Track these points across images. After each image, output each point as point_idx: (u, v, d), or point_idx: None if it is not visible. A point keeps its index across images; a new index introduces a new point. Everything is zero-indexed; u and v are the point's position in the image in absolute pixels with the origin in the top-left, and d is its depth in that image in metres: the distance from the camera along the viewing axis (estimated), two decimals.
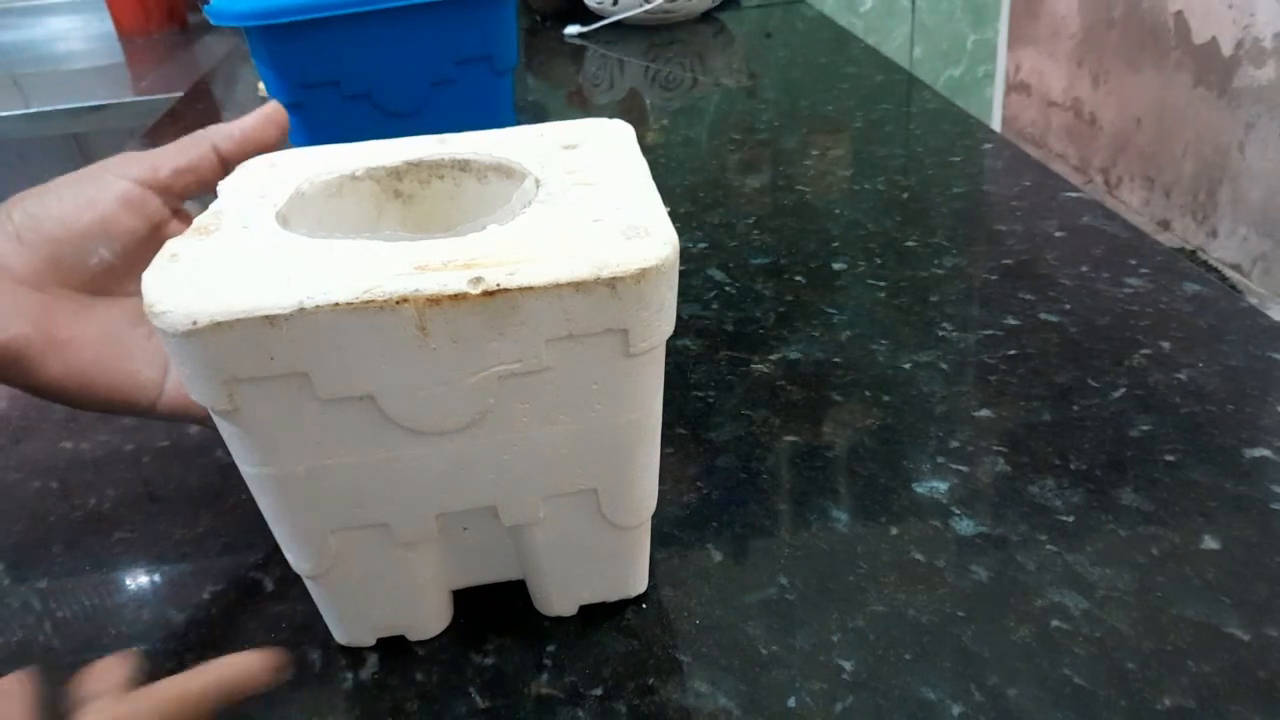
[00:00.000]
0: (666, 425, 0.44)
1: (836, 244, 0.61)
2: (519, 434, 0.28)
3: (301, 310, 0.24)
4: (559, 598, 0.34)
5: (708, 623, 0.34)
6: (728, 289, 0.56)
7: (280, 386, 0.26)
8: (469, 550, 0.32)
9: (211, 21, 0.57)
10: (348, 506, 0.29)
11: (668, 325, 0.28)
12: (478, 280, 0.25)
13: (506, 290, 0.25)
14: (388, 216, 0.35)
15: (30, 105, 1.23)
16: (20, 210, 0.34)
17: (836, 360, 0.48)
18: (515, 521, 0.31)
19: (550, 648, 0.33)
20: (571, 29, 1.27)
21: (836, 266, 0.58)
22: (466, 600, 0.35)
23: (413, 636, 0.33)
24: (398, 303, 0.25)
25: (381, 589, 0.32)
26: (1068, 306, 0.51)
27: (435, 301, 0.25)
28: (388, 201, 0.35)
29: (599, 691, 0.31)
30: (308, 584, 0.32)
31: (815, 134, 0.82)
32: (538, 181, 0.31)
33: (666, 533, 0.38)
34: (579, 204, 0.29)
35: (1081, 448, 0.40)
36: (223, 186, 0.33)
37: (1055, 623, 0.32)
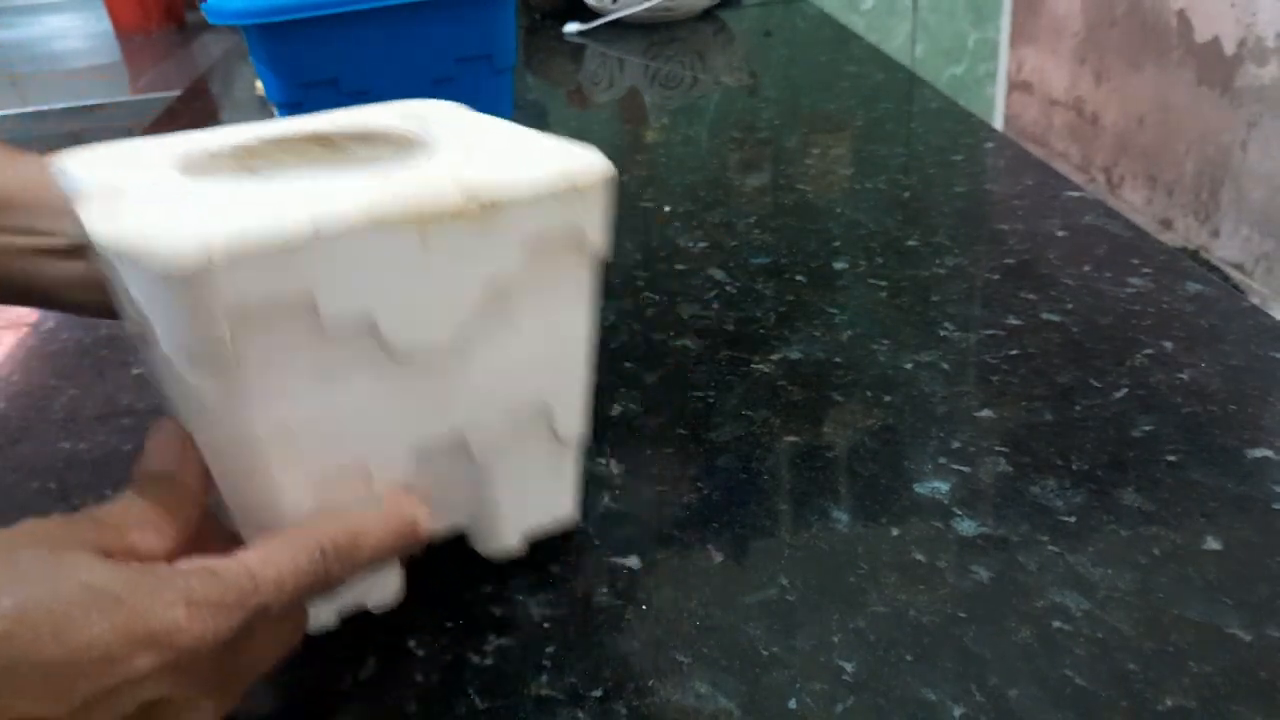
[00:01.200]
0: (667, 425, 0.44)
1: (837, 243, 0.61)
2: (496, 350, 0.29)
3: (317, 232, 0.24)
4: (507, 531, 0.34)
5: (708, 623, 0.33)
6: (728, 288, 0.56)
7: (283, 318, 0.25)
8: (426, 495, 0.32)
9: (209, 20, 0.56)
10: (329, 450, 0.28)
11: (609, 242, 0.30)
12: (473, 195, 0.26)
13: (499, 203, 0.26)
14: None
15: (28, 104, 1.23)
16: None
17: (837, 360, 0.48)
18: (483, 448, 0.31)
19: (550, 648, 0.33)
20: (571, 27, 1.27)
21: (837, 266, 0.58)
22: (467, 600, 0.35)
23: (374, 605, 0.33)
24: (404, 220, 0.25)
25: None
26: (1070, 306, 0.51)
27: (438, 218, 0.26)
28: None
29: (599, 692, 0.31)
30: None
31: (816, 133, 0.82)
32: (422, 141, 0.31)
33: (666, 533, 0.38)
34: (493, 145, 0.29)
35: (1083, 448, 0.40)
36: (62, 168, 0.31)
37: (1056, 623, 0.32)
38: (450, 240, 0.26)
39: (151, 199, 0.27)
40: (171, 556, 0.27)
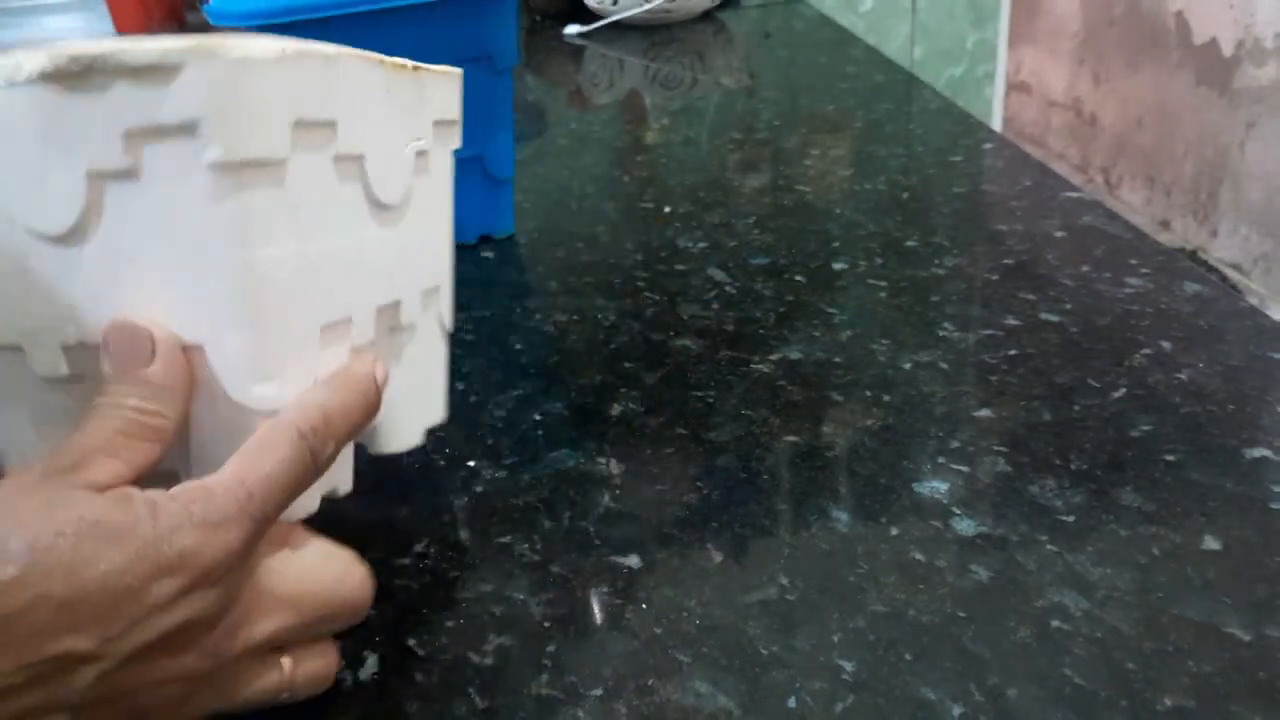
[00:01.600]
0: (667, 425, 0.44)
1: (837, 244, 0.61)
2: (418, 222, 0.34)
3: (340, 55, 0.29)
4: (409, 427, 0.37)
5: (708, 623, 0.33)
6: (728, 289, 0.56)
7: (314, 140, 0.29)
8: None
9: (211, 21, 0.56)
10: (329, 297, 0.30)
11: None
12: (410, 63, 0.33)
13: (423, 69, 0.34)
14: None
15: None
16: None
17: (837, 360, 0.48)
18: (410, 318, 0.35)
19: (550, 648, 0.33)
20: (571, 28, 1.27)
21: (837, 266, 0.58)
22: (467, 599, 0.35)
23: (341, 490, 0.33)
24: (379, 63, 0.31)
25: None
26: (1068, 306, 0.51)
27: (394, 67, 0.32)
28: None
29: (599, 692, 0.31)
30: None
31: (815, 134, 0.82)
32: None
33: (666, 533, 0.38)
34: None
35: (1082, 448, 0.40)
36: None
37: (1055, 623, 0.32)
38: (399, 94, 0.33)
39: None
40: (162, 460, 0.27)
